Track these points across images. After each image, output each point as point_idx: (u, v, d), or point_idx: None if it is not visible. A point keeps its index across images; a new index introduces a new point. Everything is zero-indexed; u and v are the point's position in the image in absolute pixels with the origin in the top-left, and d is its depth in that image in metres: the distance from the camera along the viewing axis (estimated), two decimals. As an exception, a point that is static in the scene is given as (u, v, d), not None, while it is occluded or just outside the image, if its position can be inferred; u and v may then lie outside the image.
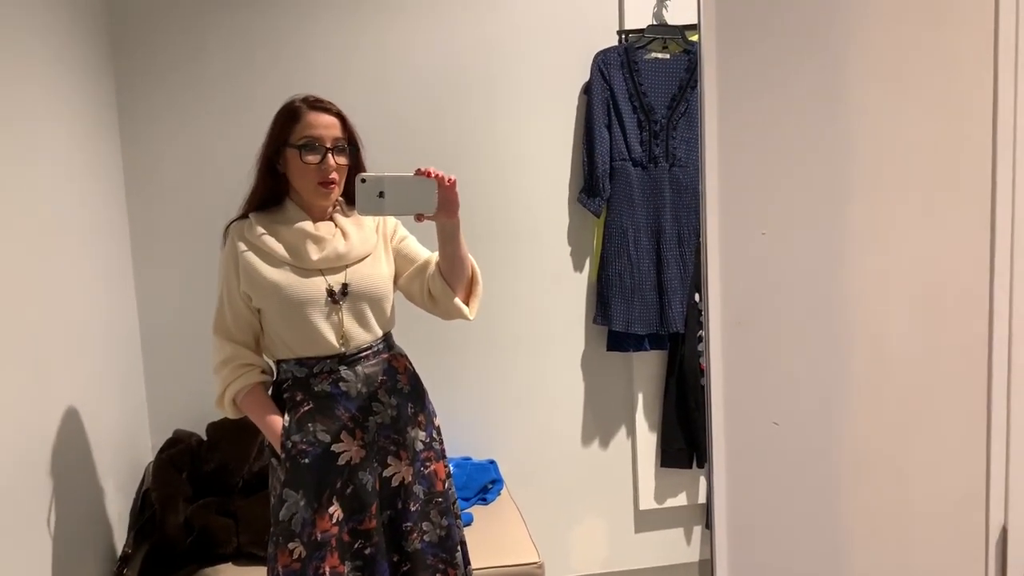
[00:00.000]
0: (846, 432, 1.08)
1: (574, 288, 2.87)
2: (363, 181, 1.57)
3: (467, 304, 1.83)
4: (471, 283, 1.84)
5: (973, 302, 1.07)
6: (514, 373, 2.83)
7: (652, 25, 2.74)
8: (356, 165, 1.79)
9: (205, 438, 2.45)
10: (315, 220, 1.79)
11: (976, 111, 1.04)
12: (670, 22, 2.75)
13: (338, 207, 1.83)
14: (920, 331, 1.07)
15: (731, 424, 1.06)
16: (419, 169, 1.62)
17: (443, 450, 1.91)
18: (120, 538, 2.22)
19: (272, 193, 1.81)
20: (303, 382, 1.77)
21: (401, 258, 1.88)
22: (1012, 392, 1.07)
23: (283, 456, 1.74)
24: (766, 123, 1.03)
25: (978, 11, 1.02)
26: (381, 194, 1.58)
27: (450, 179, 1.64)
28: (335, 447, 1.75)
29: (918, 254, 1.07)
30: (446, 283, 1.79)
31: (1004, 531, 1.07)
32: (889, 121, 1.04)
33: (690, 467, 2.91)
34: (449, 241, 1.74)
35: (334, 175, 1.74)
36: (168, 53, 2.50)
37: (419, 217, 1.65)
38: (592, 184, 2.74)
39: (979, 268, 1.06)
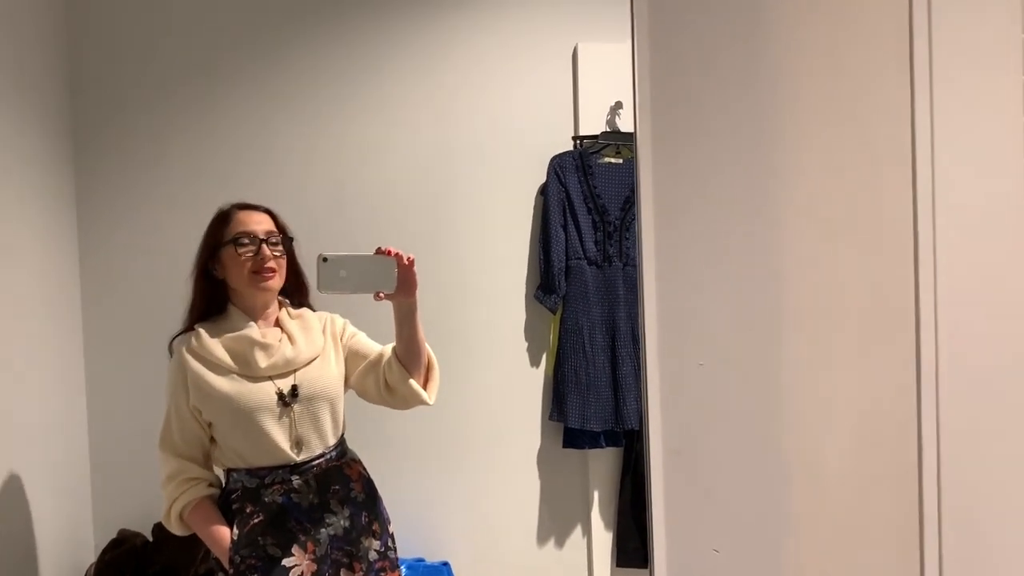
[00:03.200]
0: (784, 559, 1.11)
1: (531, 384, 2.88)
2: (324, 260, 1.61)
3: (425, 389, 1.82)
4: (428, 369, 1.84)
5: (903, 431, 1.12)
6: (469, 470, 2.81)
7: (605, 132, 2.84)
8: (292, 259, 1.84)
9: (151, 539, 2.39)
10: (260, 325, 1.80)
11: (899, 252, 1.10)
12: (622, 129, 2.86)
13: (283, 309, 1.84)
14: (853, 459, 1.12)
15: (673, 551, 1.08)
16: (379, 248, 1.68)
17: (397, 558, 1.89)
18: (56, 648, 2.14)
19: (212, 302, 1.82)
20: (253, 493, 1.75)
21: (353, 355, 1.88)
22: (943, 518, 1.11)
23: (231, 572, 1.70)
24: (702, 261, 1.09)
25: (898, 162, 1.10)
26: (342, 273, 1.61)
27: (409, 258, 1.69)
28: (286, 561, 1.71)
29: (850, 385, 1.12)
30: (403, 368, 1.79)
31: (939, 657, 1.10)
32: (820, 259, 1.11)
33: (646, 567, 2.89)
34: (406, 321, 1.76)
35: (271, 263, 1.77)
36: (128, 157, 2.53)
37: (378, 296, 1.68)
38: (548, 281, 2.80)
39: (907, 398, 1.11)
